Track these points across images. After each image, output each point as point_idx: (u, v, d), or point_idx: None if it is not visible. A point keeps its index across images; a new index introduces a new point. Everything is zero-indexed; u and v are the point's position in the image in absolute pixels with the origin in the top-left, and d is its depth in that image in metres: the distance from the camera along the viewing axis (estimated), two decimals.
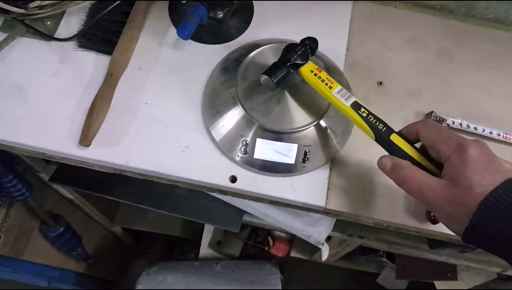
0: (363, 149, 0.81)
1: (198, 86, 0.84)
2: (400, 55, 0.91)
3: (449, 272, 1.35)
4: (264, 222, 1.13)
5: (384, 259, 1.42)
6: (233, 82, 0.76)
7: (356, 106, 0.68)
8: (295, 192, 0.77)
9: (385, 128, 0.64)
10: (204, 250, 1.54)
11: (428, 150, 0.59)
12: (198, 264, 1.43)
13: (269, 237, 1.51)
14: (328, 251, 1.01)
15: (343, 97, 0.69)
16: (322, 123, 0.75)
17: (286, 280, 1.53)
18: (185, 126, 0.81)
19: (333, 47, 0.88)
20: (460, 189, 0.48)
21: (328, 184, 0.78)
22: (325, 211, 0.78)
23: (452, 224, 0.52)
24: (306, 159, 0.76)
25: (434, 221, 0.76)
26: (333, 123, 0.77)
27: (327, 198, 0.77)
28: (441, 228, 0.76)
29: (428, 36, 0.94)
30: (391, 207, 0.78)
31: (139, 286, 1.32)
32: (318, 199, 0.77)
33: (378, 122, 0.66)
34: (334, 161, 0.80)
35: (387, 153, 0.65)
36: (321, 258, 1.14)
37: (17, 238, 1.16)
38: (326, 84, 0.70)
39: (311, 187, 0.77)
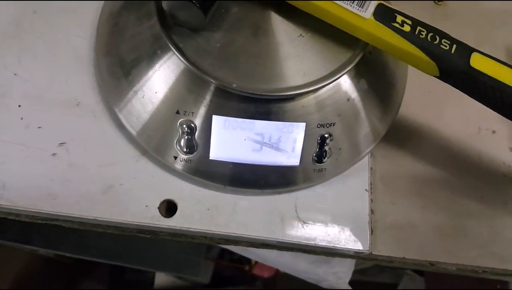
0: (427, 123, 0.41)
1: (85, 20, 0.41)
2: None
3: (498, 284, 0.99)
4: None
5: (409, 271, 1.05)
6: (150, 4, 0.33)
7: (384, 15, 0.31)
8: (305, 226, 0.36)
9: (455, 46, 0.31)
10: (161, 277, 1.12)
11: None
12: None
13: None
14: None
15: (353, 2, 0.30)
16: (357, 71, 0.34)
17: None
18: (59, 102, 0.38)
19: None
20: None
21: (371, 203, 0.37)
22: (369, 258, 0.38)
23: None
24: (324, 154, 0.35)
25: None
26: (372, 73, 0.36)
27: (371, 232, 0.37)
28: None
29: None
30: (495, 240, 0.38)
31: None
32: (353, 236, 0.36)
33: (437, 38, 0.31)
34: (375, 156, 0.40)
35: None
36: None
37: None
38: None
39: (337, 211, 0.37)
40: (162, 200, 0.36)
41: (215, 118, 0.33)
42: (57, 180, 0.36)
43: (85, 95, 0.39)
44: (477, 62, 0.30)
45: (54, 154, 0.37)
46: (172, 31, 0.33)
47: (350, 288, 0.57)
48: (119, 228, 0.38)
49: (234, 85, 0.31)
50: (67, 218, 0.36)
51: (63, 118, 0.38)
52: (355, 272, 1.22)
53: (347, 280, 0.56)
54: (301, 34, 0.33)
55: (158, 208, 0.35)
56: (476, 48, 0.31)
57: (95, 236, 0.64)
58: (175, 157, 0.35)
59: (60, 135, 0.37)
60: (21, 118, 0.38)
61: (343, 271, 0.55)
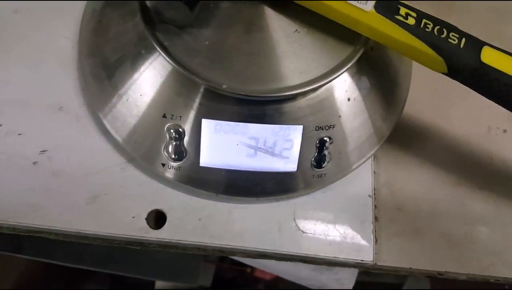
0: (434, 123, 0.38)
1: (71, 19, 0.39)
2: None
3: (506, 284, 0.97)
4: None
5: None
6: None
7: (387, 7, 0.28)
8: (304, 235, 0.34)
9: (464, 40, 0.28)
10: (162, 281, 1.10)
11: None
12: None
13: None
14: None
15: None
16: (358, 69, 0.32)
17: None
18: (41, 107, 0.36)
19: None
20: None
21: (374, 209, 0.35)
22: (374, 268, 0.36)
23: None
24: (324, 158, 0.33)
25: None
26: (374, 71, 0.33)
27: (375, 242, 0.34)
28: None
29: None
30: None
31: None
32: (356, 245, 0.34)
33: (444, 32, 0.28)
34: (379, 159, 0.37)
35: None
36: None
37: None
38: None
39: (338, 219, 0.34)
40: (150, 210, 0.33)
41: (205, 122, 0.30)
42: (39, 190, 0.34)
43: (68, 99, 0.36)
44: (488, 57, 0.28)
45: (35, 163, 0.34)
46: (157, 29, 0.30)
47: None
48: (107, 240, 0.36)
49: (225, 86, 0.29)
50: (50, 231, 0.34)
51: (45, 124, 0.36)
52: (359, 273, 1.20)
53: (351, 286, 0.53)
54: (296, 30, 0.31)
55: (146, 219, 0.33)
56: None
57: (89, 244, 0.62)
58: (163, 164, 0.32)
59: (42, 142, 0.35)
60: (1, 125, 0.35)
61: (346, 278, 0.52)
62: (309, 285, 0.55)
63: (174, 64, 0.29)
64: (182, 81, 0.30)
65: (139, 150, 0.33)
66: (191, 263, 0.63)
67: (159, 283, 1.18)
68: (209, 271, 1.12)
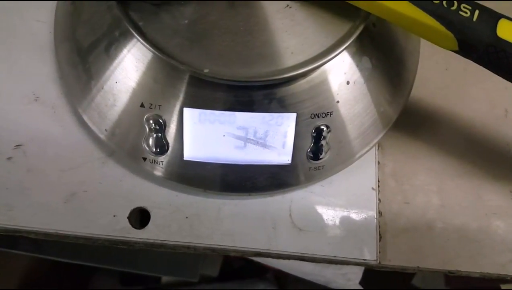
0: (445, 106, 0.35)
1: (46, 1, 0.36)
2: None
3: None
4: None
5: None
6: None
7: None
8: (301, 233, 0.31)
9: (478, 12, 0.24)
10: None
11: None
12: None
13: None
14: None
15: None
16: (358, 47, 0.28)
17: None
18: (15, 97, 0.33)
19: None
20: None
21: (379, 203, 0.32)
22: (378, 267, 0.33)
23: None
24: (321, 148, 0.29)
25: None
26: (377, 49, 0.30)
27: (379, 239, 0.31)
28: None
29: None
30: None
31: None
32: (358, 243, 0.31)
33: (454, 3, 0.25)
34: (384, 148, 0.34)
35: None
36: None
37: None
38: None
39: (338, 214, 0.31)
40: (132, 208, 0.31)
41: (187, 111, 0.27)
42: (14, 188, 0.31)
43: (44, 89, 0.34)
44: (506, 31, 0.24)
45: (9, 158, 0.32)
46: (131, 8, 0.27)
47: (361, 288, 0.52)
48: (89, 240, 0.33)
49: (206, 70, 0.25)
50: (27, 231, 0.32)
51: (20, 115, 0.33)
52: None
53: (357, 281, 0.50)
54: (288, 5, 0.27)
55: (128, 218, 0.31)
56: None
57: None
58: (144, 159, 0.29)
59: (17, 135, 0.32)
60: None
61: (353, 272, 0.50)
62: (315, 280, 0.53)
63: (149, 46, 0.26)
64: (159, 66, 0.27)
65: (119, 143, 0.30)
66: (191, 258, 0.61)
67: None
68: (216, 261, 1.11)
